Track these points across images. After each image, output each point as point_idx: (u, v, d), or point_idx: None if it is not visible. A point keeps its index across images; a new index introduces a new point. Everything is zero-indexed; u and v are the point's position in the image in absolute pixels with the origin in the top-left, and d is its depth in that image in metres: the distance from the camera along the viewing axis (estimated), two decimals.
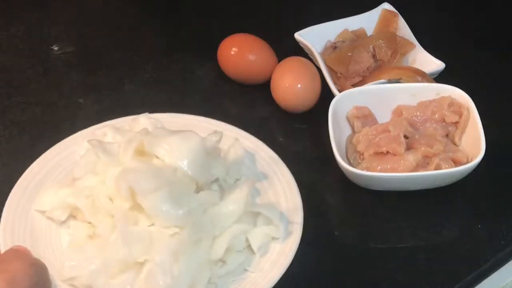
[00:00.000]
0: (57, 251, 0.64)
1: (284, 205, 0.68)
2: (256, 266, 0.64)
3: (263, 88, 0.83)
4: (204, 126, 0.73)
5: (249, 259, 0.64)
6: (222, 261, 0.63)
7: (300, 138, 0.80)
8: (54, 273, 0.62)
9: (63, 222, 0.66)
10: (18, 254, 0.52)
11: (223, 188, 0.67)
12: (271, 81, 0.82)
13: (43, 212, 0.67)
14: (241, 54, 0.84)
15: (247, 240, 0.64)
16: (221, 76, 0.86)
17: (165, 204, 0.60)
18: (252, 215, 0.66)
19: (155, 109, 0.82)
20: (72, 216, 0.66)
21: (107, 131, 0.71)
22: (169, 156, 0.63)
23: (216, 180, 0.67)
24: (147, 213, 0.61)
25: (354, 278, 0.67)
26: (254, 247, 0.64)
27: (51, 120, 0.82)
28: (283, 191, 0.69)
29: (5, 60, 0.90)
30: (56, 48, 0.91)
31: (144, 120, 0.71)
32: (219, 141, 0.68)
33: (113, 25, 0.95)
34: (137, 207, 0.61)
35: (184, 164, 0.63)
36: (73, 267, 0.61)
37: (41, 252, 0.63)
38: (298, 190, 0.69)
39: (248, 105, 0.84)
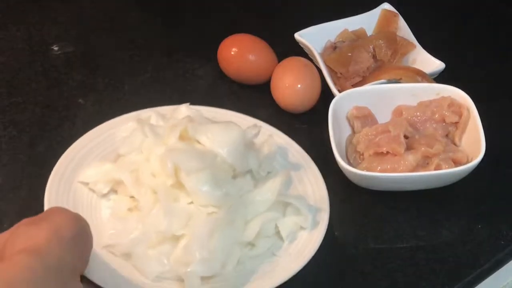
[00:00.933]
0: (97, 221, 0.68)
1: (312, 197, 0.71)
2: (284, 251, 0.66)
3: (263, 88, 0.83)
4: (240, 122, 0.75)
5: (277, 244, 0.67)
6: (252, 244, 0.66)
7: (300, 138, 0.80)
8: (93, 241, 0.66)
9: (104, 195, 0.70)
10: (61, 209, 0.54)
11: (256, 179, 0.71)
12: (271, 81, 0.82)
13: (86, 184, 0.70)
14: (241, 54, 0.84)
15: (276, 227, 0.68)
16: (221, 76, 0.86)
17: (205, 184, 0.64)
18: (283, 204, 0.69)
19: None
20: (113, 191, 0.70)
21: (151, 115, 0.74)
22: (211, 143, 0.67)
23: (250, 171, 0.71)
24: (187, 191, 0.65)
25: (354, 278, 0.67)
26: (283, 234, 0.67)
27: (51, 120, 0.82)
28: (310, 184, 0.72)
29: (5, 60, 0.90)
30: (56, 48, 0.91)
31: (185, 110, 0.74)
32: (257, 134, 0.72)
33: (113, 25, 0.96)
34: (178, 185, 0.65)
35: (224, 151, 0.67)
36: (114, 235, 0.66)
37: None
38: (324, 183, 0.72)
39: (248, 105, 0.84)
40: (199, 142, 0.68)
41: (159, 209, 0.64)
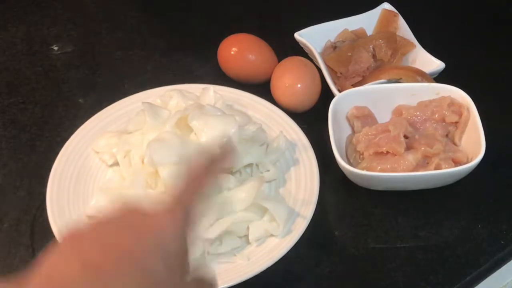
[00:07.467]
0: (95, 188, 0.72)
1: (301, 196, 0.70)
2: (244, 255, 0.66)
3: (263, 88, 0.83)
4: (259, 108, 0.77)
5: (243, 246, 0.67)
6: (220, 240, 0.67)
7: None
8: (86, 205, 0.70)
9: (111, 166, 0.73)
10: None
11: (253, 175, 0.72)
12: (271, 81, 0.82)
13: (97, 152, 0.74)
14: (241, 54, 0.84)
15: (248, 228, 0.68)
16: (221, 76, 0.86)
17: (178, 178, 0.63)
18: (262, 208, 0.68)
19: None
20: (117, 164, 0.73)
21: (173, 94, 0.76)
22: (205, 135, 0.68)
23: (250, 165, 0.72)
24: (162, 181, 0.66)
25: (354, 278, 0.67)
26: (251, 237, 0.67)
27: (51, 120, 0.82)
28: (305, 182, 0.72)
29: (5, 60, 0.90)
30: (56, 48, 0.91)
31: (211, 93, 0.76)
32: (256, 131, 0.73)
33: (113, 25, 0.96)
34: (157, 173, 0.67)
35: (213, 146, 0.66)
36: (94, 207, 0.68)
37: (81, 186, 0.72)
38: (318, 184, 0.71)
39: None
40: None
41: (131, 194, 0.66)
